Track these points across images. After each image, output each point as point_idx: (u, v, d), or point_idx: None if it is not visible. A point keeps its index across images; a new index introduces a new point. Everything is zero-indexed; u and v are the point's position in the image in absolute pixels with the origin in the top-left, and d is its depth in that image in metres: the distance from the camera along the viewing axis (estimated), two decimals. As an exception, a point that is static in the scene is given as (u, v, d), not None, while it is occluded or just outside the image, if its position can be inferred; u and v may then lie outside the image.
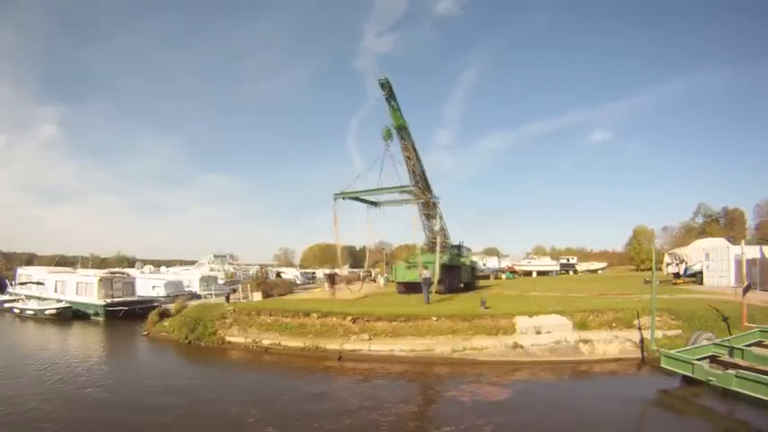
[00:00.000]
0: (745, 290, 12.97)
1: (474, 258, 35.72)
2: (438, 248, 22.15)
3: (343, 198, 21.20)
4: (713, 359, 9.95)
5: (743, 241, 23.92)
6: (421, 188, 22.56)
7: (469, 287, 27.30)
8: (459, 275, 25.97)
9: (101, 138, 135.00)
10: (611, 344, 12.29)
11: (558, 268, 57.85)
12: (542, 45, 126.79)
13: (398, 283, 24.93)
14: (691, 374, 9.14)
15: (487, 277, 48.34)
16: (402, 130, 21.14)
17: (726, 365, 9.28)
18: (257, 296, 22.93)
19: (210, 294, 25.50)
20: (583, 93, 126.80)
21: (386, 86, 19.95)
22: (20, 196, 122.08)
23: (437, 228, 24.55)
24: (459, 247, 27.96)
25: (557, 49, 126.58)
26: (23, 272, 30.50)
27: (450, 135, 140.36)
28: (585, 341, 12.36)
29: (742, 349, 9.79)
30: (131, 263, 45.48)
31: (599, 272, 59.61)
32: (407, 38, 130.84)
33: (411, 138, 21.59)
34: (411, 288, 22.76)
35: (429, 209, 24.24)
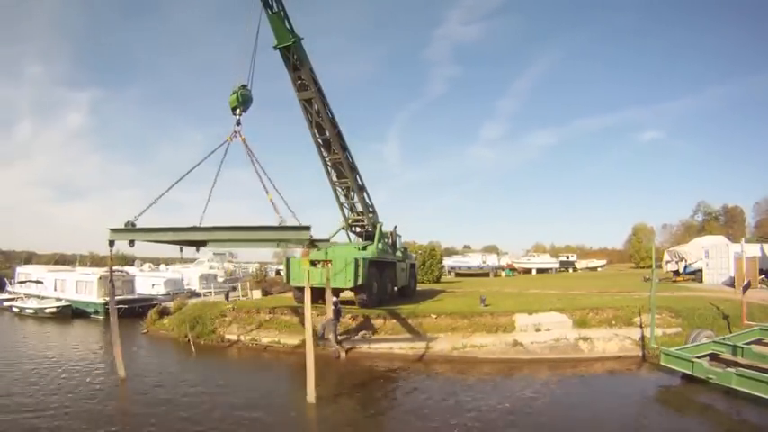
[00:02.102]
0: (745, 288, 12.97)
1: (412, 254, 25.53)
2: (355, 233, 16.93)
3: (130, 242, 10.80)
4: (713, 357, 9.95)
5: (742, 239, 23.97)
6: (332, 148, 16.07)
7: (406, 293, 20.51)
8: (393, 277, 18.82)
9: (132, 128, 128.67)
10: (610, 341, 12.29)
11: (557, 266, 58.00)
12: (618, 44, 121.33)
13: (296, 288, 16.43)
14: (690, 372, 9.14)
15: (486, 275, 48.52)
16: (293, 51, 14.08)
17: (726, 363, 9.27)
18: (256, 294, 22.95)
19: (210, 292, 25.50)
20: (642, 90, 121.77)
21: None
22: (35, 192, 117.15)
23: (360, 205, 17.53)
24: (392, 235, 19.58)
25: (630, 48, 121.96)
26: (23, 270, 30.47)
27: (500, 128, 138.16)
28: (585, 339, 12.36)
29: (742, 347, 9.78)
30: (131, 261, 45.41)
31: (598, 269, 59.77)
32: (493, 28, 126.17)
33: (308, 62, 14.52)
34: (317, 295, 13.90)
35: (346, 174, 16.67)
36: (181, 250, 11.85)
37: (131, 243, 10.74)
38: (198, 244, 12.11)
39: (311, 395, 8.60)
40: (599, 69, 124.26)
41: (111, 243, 10.37)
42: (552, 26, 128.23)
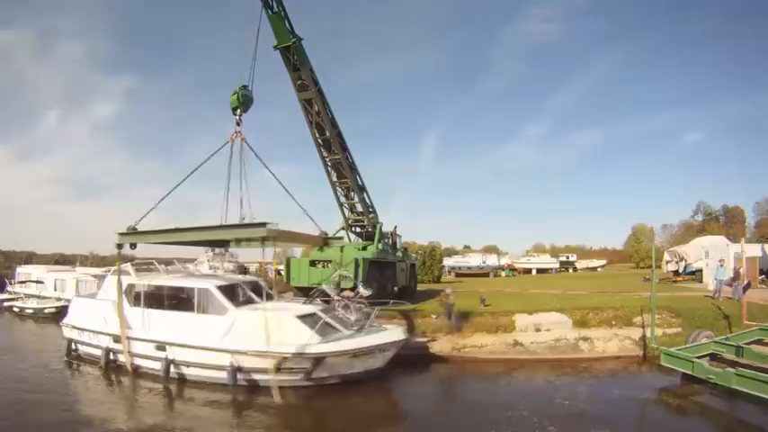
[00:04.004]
0: (745, 288, 12.98)
1: (413, 254, 24.83)
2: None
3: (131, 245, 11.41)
4: (713, 357, 9.97)
5: (743, 239, 23.93)
6: (332, 148, 16.22)
7: (406, 294, 19.05)
8: (393, 277, 18.57)
9: (166, 119, 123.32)
10: (610, 341, 12.31)
11: (557, 266, 57.92)
12: (693, 45, 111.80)
13: (296, 288, 17.13)
14: (691, 372, 9.16)
15: (486, 275, 48.51)
16: (293, 51, 14.25)
17: (726, 363, 9.28)
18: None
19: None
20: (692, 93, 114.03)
21: None
22: (52, 189, 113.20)
23: (360, 205, 17.71)
24: (393, 235, 19.61)
25: (704, 50, 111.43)
26: (23, 270, 30.39)
27: (545, 127, 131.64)
28: (585, 339, 12.37)
29: (742, 347, 9.79)
30: (130, 261, 45.28)
31: (598, 269, 59.67)
32: (571, 28, 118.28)
33: (308, 62, 14.72)
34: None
35: (346, 174, 16.83)
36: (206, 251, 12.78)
37: (133, 246, 11.30)
38: (214, 245, 13.07)
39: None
40: (661, 70, 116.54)
41: (120, 246, 10.83)
42: (628, 27, 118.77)
